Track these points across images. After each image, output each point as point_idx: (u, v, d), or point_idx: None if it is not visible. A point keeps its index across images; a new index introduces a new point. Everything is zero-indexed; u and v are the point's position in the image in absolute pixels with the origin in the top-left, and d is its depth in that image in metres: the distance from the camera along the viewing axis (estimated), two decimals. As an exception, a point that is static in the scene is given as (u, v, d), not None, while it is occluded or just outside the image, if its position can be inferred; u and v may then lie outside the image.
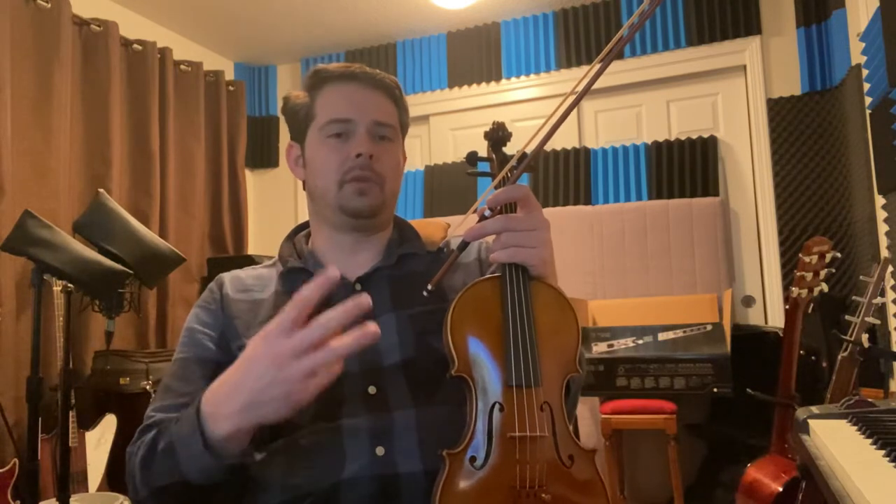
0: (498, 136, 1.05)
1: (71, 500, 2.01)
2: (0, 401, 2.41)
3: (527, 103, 3.73)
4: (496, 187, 0.99)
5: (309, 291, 0.71)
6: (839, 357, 1.75)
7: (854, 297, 1.79)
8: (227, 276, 1.06)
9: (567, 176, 3.52)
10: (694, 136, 3.37)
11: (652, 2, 0.89)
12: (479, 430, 0.81)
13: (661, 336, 2.80)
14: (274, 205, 4.20)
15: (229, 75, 4.04)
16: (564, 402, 0.86)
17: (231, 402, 0.74)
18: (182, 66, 3.64)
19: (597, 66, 0.85)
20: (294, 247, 1.08)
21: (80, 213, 2.52)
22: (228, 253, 3.85)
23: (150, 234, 2.43)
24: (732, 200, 3.37)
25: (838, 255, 1.93)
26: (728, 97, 3.44)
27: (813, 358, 2.59)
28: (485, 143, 1.08)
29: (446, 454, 0.79)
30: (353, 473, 0.85)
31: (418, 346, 0.94)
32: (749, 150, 3.36)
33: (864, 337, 1.73)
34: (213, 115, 3.83)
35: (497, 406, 0.82)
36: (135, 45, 3.33)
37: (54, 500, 2.01)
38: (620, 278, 3.29)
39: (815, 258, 1.89)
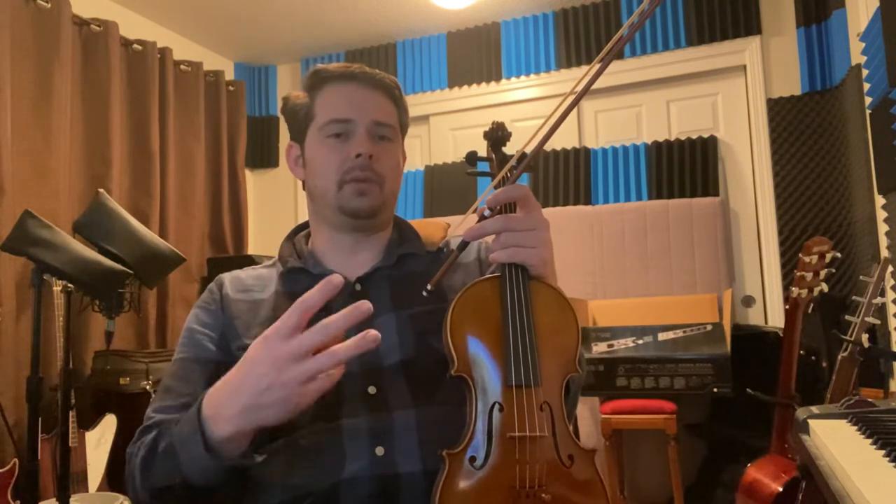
0: (497, 135, 1.05)
1: (71, 500, 2.01)
2: (0, 401, 2.41)
3: (527, 103, 3.73)
4: (496, 187, 0.99)
5: (311, 297, 0.70)
6: (839, 357, 1.75)
7: (854, 297, 1.79)
8: (226, 277, 1.06)
9: (567, 176, 3.52)
10: (694, 136, 3.37)
11: (652, 1, 0.89)
12: (478, 430, 0.81)
13: (661, 336, 2.80)
14: (274, 205, 4.20)
15: (229, 75, 4.04)
16: (564, 402, 0.86)
17: (231, 405, 0.74)
18: (182, 66, 3.64)
19: (596, 66, 0.85)
20: (294, 247, 1.08)
21: (80, 213, 2.52)
22: (228, 253, 3.85)
23: (150, 234, 2.43)
24: (732, 200, 3.37)
25: (838, 255, 1.93)
26: (728, 97, 3.44)
27: (813, 358, 2.59)
28: (484, 143, 1.08)
29: (446, 454, 0.79)
30: (353, 473, 0.85)
31: (418, 346, 0.94)
32: (749, 150, 3.36)
33: (864, 337, 1.73)
34: (213, 115, 3.83)
35: (497, 406, 0.82)
36: (135, 45, 3.33)
37: (54, 500, 2.01)
38: (620, 278, 3.29)
39: (815, 258, 1.89)
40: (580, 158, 3.52)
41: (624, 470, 3.13)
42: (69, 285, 2.18)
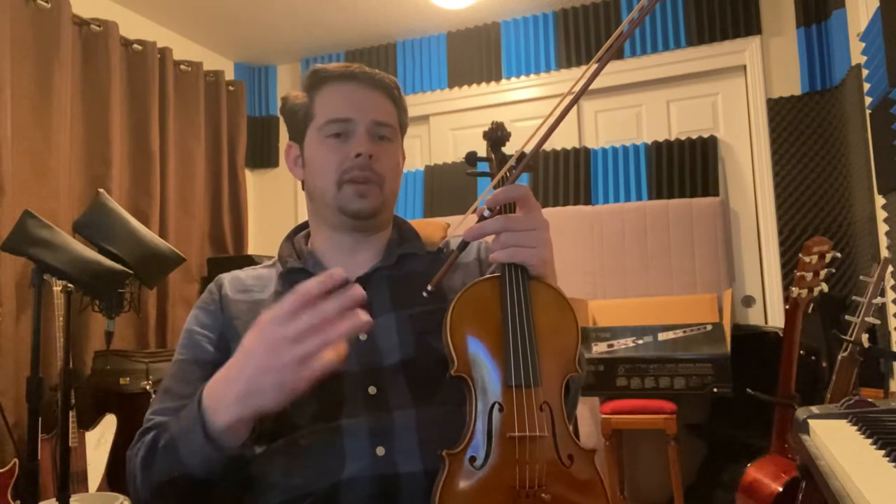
0: (497, 135, 1.05)
1: (71, 500, 2.01)
2: (0, 401, 2.41)
3: (526, 103, 3.73)
4: (495, 187, 0.99)
5: (309, 285, 0.71)
6: (839, 357, 1.75)
7: (854, 297, 1.79)
8: (226, 277, 1.06)
9: (567, 176, 3.52)
10: (694, 136, 3.37)
11: None
12: (478, 430, 0.81)
13: (661, 336, 2.80)
14: (274, 205, 4.20)
15: (229, 75, 4.04)
16: (564, 402, 0.86)
17: (229, 392, 0.75)
18: (182, 66, 3.64)
19: (594, 66, 0.85)
20: (293, 247, 1.08)
21: (80, 213, 2.52)
22: (228, 253, 3.85)
23: (150, 234, 2.43)
24: (732, 200, 3.37)
25: (838, 255, 1.92)
26: (728, 97, 3.44)
27: (813, 358, 2.59)
28: (484, 143, 1.08)
29: (446, 454, 0.79)
30: (353, 473, 0.85)
31: (418, 346, 0.94)
32: (749, 150, 3.36)
33: (864, 337, 1.73)
34: (213, 115, 3.83)
35: (497, 406, 0.82)
36: (135, 45, 3.33)
37: (54, 500, 2.01)
38: (620, 278, 3.29)
39: (815, 258, 1.89)
40: (580, 158, 3.52)
41: (624, 470, 3.13)
42: (69, 285, 2.18)
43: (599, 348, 2.79)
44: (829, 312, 2.58)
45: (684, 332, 2.79)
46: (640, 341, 2.79)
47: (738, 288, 3.30)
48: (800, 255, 1.93)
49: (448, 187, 3.75)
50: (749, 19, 3.32)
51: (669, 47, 3.45)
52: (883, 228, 2.36)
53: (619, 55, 3.50)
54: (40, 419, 1.97)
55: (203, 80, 3.75)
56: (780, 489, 1.81)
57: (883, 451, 0.71)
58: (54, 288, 2.37)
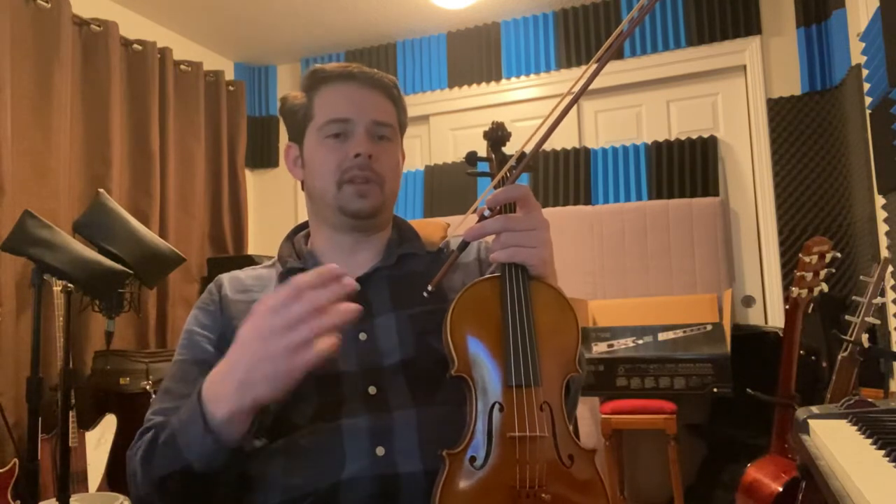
0: (497, 135, 1.05)
1: (71, 500, 2.01)
2: (0, 401, 2.41)
3: (527, 103, 3.73)
4: (495, 187, 0.99)
5: (305, 277, 0.72)
6: (839, 357, 1.75)
7: (854, 297, 1.79)
8: (226, 277, 1.06)
9: (567, 176, 3.52)
10: (694, 136, 3.37)
11: None
12: (478, 430, 0.81)
13: (661, 336, 2.80)
14: (274, 205, 4.20)
15: (229, 75, 4.04)
16: (564, 402, 0.86)
17: (227, 383, 0.75)
18: (182, 66, 3.64)
19: (594, 66, 0.85)
20: (293, 247, 1.08)
21: (80, 213, 2.52)
22: (228, 253, 3.85)
23: (150, 234, 2.43)
24: (732, 200, 3.37)
25: (838, 255, 1.92)
26: (728, 97, 3.44)
27: (813, 358, 2.59)
28: (484, 143, 1.08)
29: (446, 454, 0.79)
30: (353, 473, 0.85)
31: (418, 346, 0.94)
32: (749, 150, 3.36)
33: (864, 337, 1.73)
34: (213, 115, 3.83)
35: (497, 406, 0.82)
36: (135, 45, 3.33)
37: (54, 500, 2.01)
38: (620, 278, 3.29)
39: (815, 258, 1.89)
40: (580, 158, 3.52)
41: (624, 470, 3.13)
42: (69, 285, 2.18)
43: (599, 348, 2.79)
44: (829, 312, 2.58)
45: (684, 332, 2.79)
46: (640, 341, 2.79)
47: (738, 288, 3.30)
48: (800, 255, 1.93)
49: (448, 187, 3.75)
50: (749, 19, 3.32)
51: (669, 47, 3.45)
52: (883, 228, 2.36)
53: (619, 55, 3.50)
54: (40, 419, 1.98)
55: (203, 80, 3.75)
56: (780, 489, 1.81)
57: (883, 451, 0.70)
58: (54, 288, 2.37)
